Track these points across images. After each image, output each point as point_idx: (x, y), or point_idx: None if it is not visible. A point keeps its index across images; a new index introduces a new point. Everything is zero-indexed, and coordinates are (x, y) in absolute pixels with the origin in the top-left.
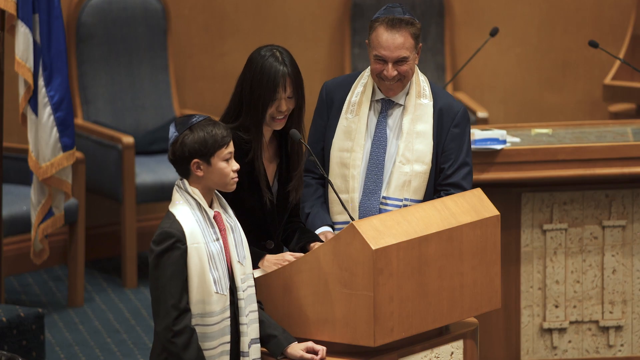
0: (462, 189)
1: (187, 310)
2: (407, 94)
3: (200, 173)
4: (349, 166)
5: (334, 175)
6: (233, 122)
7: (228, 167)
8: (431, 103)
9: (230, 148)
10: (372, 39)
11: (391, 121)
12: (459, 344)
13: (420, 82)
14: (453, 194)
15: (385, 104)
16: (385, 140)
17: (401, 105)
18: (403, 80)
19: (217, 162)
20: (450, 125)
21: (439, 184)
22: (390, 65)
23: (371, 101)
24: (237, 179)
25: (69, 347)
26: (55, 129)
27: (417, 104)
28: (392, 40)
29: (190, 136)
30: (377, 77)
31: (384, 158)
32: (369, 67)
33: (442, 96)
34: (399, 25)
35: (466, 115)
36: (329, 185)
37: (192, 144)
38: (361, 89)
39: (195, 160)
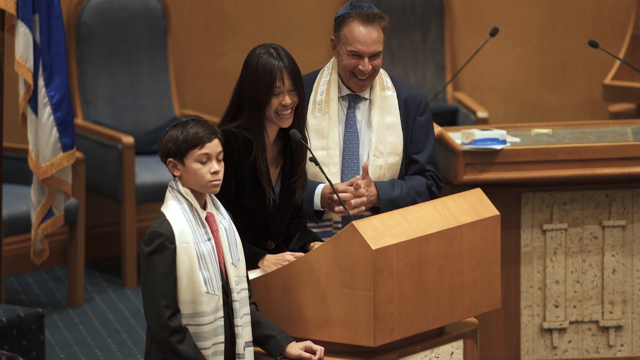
0: (437, 170)
1: (178, 310)
2: (372, 87)
3: (177, 173)
4: (327, 164)
5: (310, 174)
6: (234, 122)
7: (203, 168)
8: (395, 94)
9: (208, 149)
10: (345, 35)
11: (359, 115)
12: (459, 344)
13: (382, 75)
14: (433, 175)
15: (352, 99)
16: (357, 134)
17: (367, 99)
18: (374, 75)
19: (190, 163)
20: (415, 115)
21: (416, 171)
22: (366, 59)
23: (338, 97)
24: (218, 182)
25: (69, 347)
26: (55, 129)
27: (382, 97)
28: (369, 35)
29: (167, 135)
30: (350, 72)
31: (358, 152)
32: (328, 65)
33: (404, 87)
34: (373, 20)
35: (427, 103)
36: (331, 185)
37: (166, 143)
38: (325, 87)
39: (170, 159)
